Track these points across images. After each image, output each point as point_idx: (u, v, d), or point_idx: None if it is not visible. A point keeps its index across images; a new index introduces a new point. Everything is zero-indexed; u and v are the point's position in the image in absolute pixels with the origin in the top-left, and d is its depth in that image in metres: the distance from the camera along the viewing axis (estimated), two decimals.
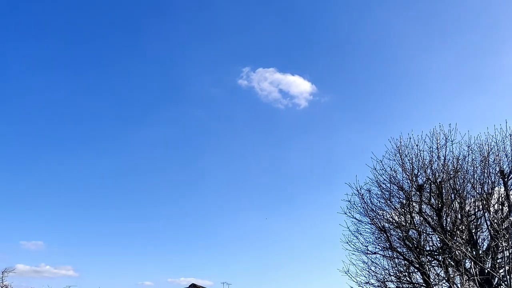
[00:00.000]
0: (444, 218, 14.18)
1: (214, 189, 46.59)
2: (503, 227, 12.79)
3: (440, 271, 14.82)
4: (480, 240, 14.41)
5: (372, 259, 15.35)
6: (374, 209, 15.23)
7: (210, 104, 46.33)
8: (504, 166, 14.05)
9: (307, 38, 45.01)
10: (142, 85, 47.77)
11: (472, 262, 13.41)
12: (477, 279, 13.25)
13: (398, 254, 14.98)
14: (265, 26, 44.42)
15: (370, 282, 15.07)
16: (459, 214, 14.17)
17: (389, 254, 15.29)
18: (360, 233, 15.52)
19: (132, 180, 46.76)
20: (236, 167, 46.47)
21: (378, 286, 15.04)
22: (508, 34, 38.91)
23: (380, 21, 41.68)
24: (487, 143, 14.35)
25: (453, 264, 13.60)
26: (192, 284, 23.14)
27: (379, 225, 15.03)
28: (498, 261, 13.40)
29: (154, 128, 46.17)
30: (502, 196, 14.02)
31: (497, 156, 14.16)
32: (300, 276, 39.34)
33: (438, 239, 14.22)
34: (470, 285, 12.10)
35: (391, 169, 14.95)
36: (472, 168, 14.39)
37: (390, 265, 15.28)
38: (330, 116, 43.34)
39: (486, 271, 12.26)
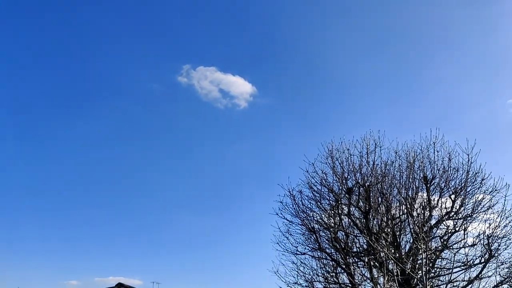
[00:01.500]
0: (371, 221, 14.65)
1: (148, 187, 45.47)
2: (423, 230, 13.41)
3: (365, 272, 15.37)
4: (403, 243, 15.06)
5: (301, 260, 15.61)
6: (305, 211, 15.52)
7: (148, 100, 45.14)
8: (428, 172, 14.80)
9: (250, 40, 45.19)
10: (77, 79, 45.64)
11: (395, 263, 14.05)
12: (398, 279, 13.87)
13: (326, 255, 15.31)
14: (208, 25, 44.09)
15: (298, 282, 15.31)
16: (385, 217, 14.75)
17: (317, 255, 15.62)
18: (291, 234, 15.74)
19: (62, 175, 44.56)
20: (171, 165, 45.66)
21: (306, 286, 15.31)
22: (437, 47, 41.00)
23: (319, 27, 42.64)
24: (413, 150, 15.08)
25: (377, 265, 14.12)
26: (119, 283, 22.44)
27: (309, 226, 15.31)
28: (418, 262, 14.06)
29: (88, 123, 44.33)
30: (425, 201, 14.74)
31: (421, 162, 14.89)
32: (233, 277, 39.25)
33: (365, 241, 14.69)
34: (392, 285, 12.58)
35: (322, 172, 15.32)
36: (399, 173, 15.06)
37: (318, 265, 15.61)
38: (269, 118, 43.73)
39: (407, 272, 12.79)
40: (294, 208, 15.58)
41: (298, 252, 15.59)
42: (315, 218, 15.57)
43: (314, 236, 15.14)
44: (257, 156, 44.11)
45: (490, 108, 39.49)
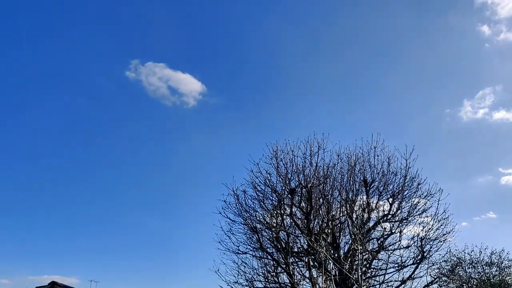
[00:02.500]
0: (312, 222, 14.88)
1: (90, 184, 43.91)
2: (361, 232, 13.80)
3: (305, 272, 15.61)
4: (343, 244, 15.42)
5: (242, 259, 15.60)
6: (248, 210, 15.52)
7: (93, 93, 43.60)
8: (368, 176, 15.23)
9: (202, 39, 44.70)
10: (21, 70, 43.26)
11: (333, 264, 14.36)
12: (335, 279, 14.20)
13: (267, 255, 15.39)
14: (160, 21, 43.08)
15: (239, 282, 15.27)
16: (326, 218, 15.04)
17: (259, 254, 15.66)
18: (233, 233, 15.69)
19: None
20: (115, 160, 44.37)
21: (246, 286, 15.30)
22: (383, 56, 42.48)
23: (272, 30, 42.93)
24: (354, 153, 15.46)
25: (316, 265, 14.36)
26: (52, 281, 21.50)
27: (252, 225, 15.33)
28: (355, 263, 14.45)
29: (31, 116, 42.26)
30: (364, 203, 15.18)
31: (362, 166, 15.31)
32: (175, 276, 38.72)
33: (305, 241, 14.90)
34: (329, 285, 12.83)
35: (266, 172, 15.37)
36: (340, 176, 15.39)
37: (259, 265, 15.66)
38: (217, 117, 43.45)
39: (344, 272, 13.09)
40: (238, 208, 15.57)
41: (239, 252, 15.60)
42: (257, 218, 15.63)
43: (256, 236, 15.16)
44: (203, 155, 43.79)
45: (429, 117, 41.40)
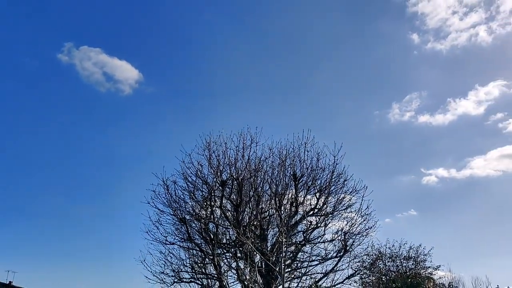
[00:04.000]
0: (241, 214, 15.02)
1: (17, 168, 41.55)
2: (287, 224, 14.13)
3: (232, 263, 15.76)
4: (270, 236, 15.71)
5: (170, 250, 15.49)
6: (178, 201, 15.39)
7: (23, 76, 41.14)
8: (297, 170, 15.55)
9: (142, 27, 43.47)
10: None
11: (259, 256, 14.61)
12: (261, 270, 14.47)
13: (195, 246, 15.37)
14: (99, 4, 41.39)
15: (165, 272, 15.16)
16: (255, 211, 15.23)
17: (187, 245, 15.61)
18: (161, 224, 15.52)
19: None
20: (42, 145, 42.25)
21: (172, 276, 15.20)
22: (321, 57, 43.56)
23: (213, 26, 42.62)
24: (286, 148, 15.73)
25: (243, 256, 14.53)
26: None
27: (181, 216, 15.22)
28: (281, 255, 14.78)
29: None
30: (293, 197, 15.51)
31: (292, 160, 15.62)
32: (101, 265, 37.62)
33: (234, 233, 15.02)
34: (252, 276, 13.03)
35: (198, 163, 15.31)
36: (271, 169, 15.62)
37: (187, 256, 15.62)
38: (152, 106, 42.49)
39: (270, 264, 13.35)
40: (167, 198, 15.41)
41: (167, 242, 15.48)
42: (187, 209, 15.54)
43: (185, 227, 15.09)
44: (135, 143, 42.75)
45: (359, 117, 43.05)
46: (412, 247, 20.36)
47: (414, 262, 20.09)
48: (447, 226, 36.88)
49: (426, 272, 20.54)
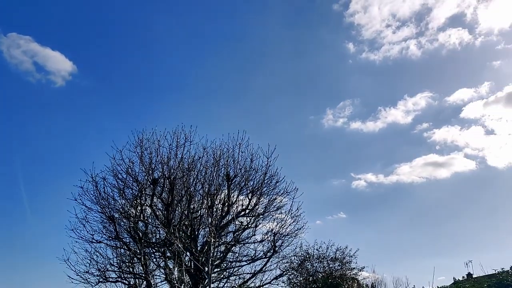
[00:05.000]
0: (171, 213, 14.84)
1: None
2: (216, 224, 14.14)
3: (161, 262, 15.54)
4: (201, 236, 15.65)
5: (96, 248, 15.00)
6: (107, 198, 14.92)
7: None
8: (231, 171, 15.59)
9: (79, 18, 41.65)
10: None
11: (190, 255, 14.52)
12: (190, 270, 14.39)
13: (123, 244, 14.99)
14: None
15: (90, 272, 14.64)
16: (186, 211, 15.12)
17: (114, 244, 15.19)
18: (88, 221, 14.94)
19: None
20: None
21: (97, 276, 14.72)
22: (257, 61, 43.99)
23: (151, 24, 41.75)
24: (220, 148, 15.72)
25: (172, 256, 14.38)
26: None
27: (109, 214, 14.77)
28: (210, 255, 14.77)
29: None
30: (225, 197, 15.55)
31: (226, 161, 15.64)
32: (23, 265, 35.53)
33: (164, 232, 14.82)
34: (180, 276, 12.93)
35: (129, 161, 14.94)
36: (204, 169, 15.55)
37: (114, 255, 15.21)
38: (86, 100, 40.86)
39: (198, 264, 13.30)
40: (95, 195, 14.86)
41: (93, 240, 14.92)
42: (116, 207, 15.11)
43: (113, 225, 14.67)
44: (64, 137, 40.87)
45: (295, 121, 44.05)
46: (339, 248, 21.10)
47: (340, 263, 20.81)
48: (374, 229, 38.64)
49: (352, 273, 21.36)
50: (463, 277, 16.77)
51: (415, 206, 41.08)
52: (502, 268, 13.79)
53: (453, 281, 16.71)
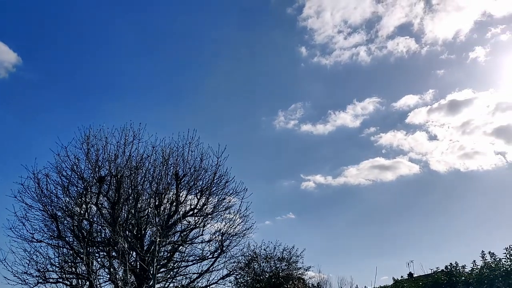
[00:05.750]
0: (118, 212, 14.55)
1: None
2: (163, 224, 14.01)
3: (105, 262, 15.17)
4: (148, 235, 15.42)
5: (36, 248, 14.42)
6: (49, 196, 14.41)
7: None
8: (180, 170, 15.48)
9: (26, 8, 39.73)
10: None
11: (136, 255, 14.29)
12: (135, 270, 14.15)
13: (65, 244, 14.53)
14: None
15: (28, 272, 14.05)
16: (133, 210, 14.86)
17: (56, 243, 14.70)
18: (28, 220, 14.37)
19: None
20: None
21: (36, 276, 14.17)
22: (212, 62, 43.89)
23: (101, 17, 40.57)
24: (170, 147, 15.57)
25: (117, 255, 14.09)
26: None
27: (52, 212, 14.28)
28: (155, 255, 14.59)
29: None
30: (173, 196, 15.42)
31: (176, 160, 15.52)
32: None
33: (109, 231, 14.50)
34: (124, 276, 12.69)
35: (75, 157, 14.51)
36: (153, 168, 15.35)
37: (56, 254, 14.70)
38: (29, 93, 39.05)
39: (144, 264, 13.11)
40: (37, 192, 14.31)
41: (34, 240, 14.37)
42: (59, 205, 14.61)
43: (56, 223, 14.19)
44: (5, 131, 38.89)
45: (247, 122, 44.31)
46: (286, 248, 21.41)
47: (287, 263, 21.12)
48: (321, 229, 39.49)
49: (298, 272, 21.73)
50: (401, 276, 17.48)
51: (362, 207, 42.44)
52: (437, 268, 14.53)
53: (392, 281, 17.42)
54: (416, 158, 39.34)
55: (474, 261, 13.36)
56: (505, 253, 12.53)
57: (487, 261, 12.85)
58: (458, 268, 13.70)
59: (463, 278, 13.18)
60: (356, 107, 40.67)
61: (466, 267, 13.66)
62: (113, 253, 14.74)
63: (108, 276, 14.33)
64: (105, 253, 15.16)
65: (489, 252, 13.02)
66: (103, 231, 15.28)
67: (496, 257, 12.80)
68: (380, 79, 44.89)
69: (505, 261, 12.36)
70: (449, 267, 13.95)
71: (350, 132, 42.05)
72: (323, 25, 40.61)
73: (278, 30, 43.81)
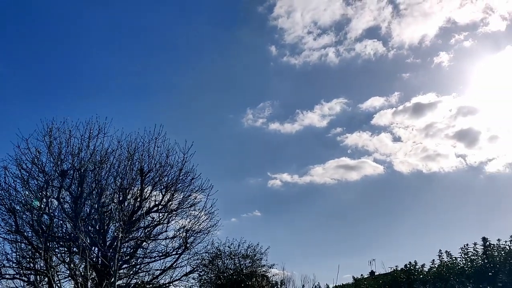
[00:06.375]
0: (80, 207, 14.26)
1: None
2: (130, 220, 13.85)
3: (66, 258, 14.86)
4: (111, 231, 15.18)
5: None
6: (7, 189, 13.99)
7: None
8: (145, 165, 15.30)
9: None
10: None
11: (98, 251, 14.06)
12: (97, 266, 13.92)
13: (24, 239, 14.14)
14: None
15: None
16: (96, 205, 14.60)
17: (14, 238, 14.29)
18: None
19: None
20: None
21: None
22: (183, 57, 43.49)
23: (69, 10, 39.50)
24: (135, 142, 15.35)
25: (78, 251, 13.81)
26: None
27: (9, 206, 13.87)
28: (117, 251, 14.39)
29: None
30: (138, 191, 15.24)
31: (141, 155, 15.32)
32: None
33: (70, 226, 14.20)
34: (83, 272, 12.48)
35: (36, 150, 14.12)
36: (118, 163, 15.12)
37: (13, 250, 14.29)
38: None
39: (103, 260, 12.93)
40: None
41: None
42: (18, 198, 14.20)
43: (13, 218, 13.79)
44: None
45: (215, 119, 44.07)
46: (251, 246, 21.51)
47: (251, 261, 21.22)
48: (286, 227, 39.72)
49: (262, 270, 21.87)
50: (362, 275, 17.87)
51: (327, 206, 42.93)
52: (397, 266, 14.92)
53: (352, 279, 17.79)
54: (381, 158, 40.10)
55: (433, 260, 13.79)
56: (460, 252, 13.00)
57: (443, 260, 13.29)
58: (416, 266, 14.10)
59: (421, 276, 13.57)
60: (323, 107, 41.09)
61: (425, 266, 14.07)
62: (74, 249, 14.44)
63: (68, 272, 14.02)
64: (65, 249, 14.84)
65: (446, 252, 13.46)
66: (64, 226, 14.95)
67: (453, 256, 13.25)
68: (347, 81, 45.48)
69: (460, 260, 12.82)
70: (408, 265, 14.33)
71: (317, 132, 42.45)
72: (293, 25, 40.80)
73: (249, 28, 43.75)
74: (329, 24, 39.67)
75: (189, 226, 15.59)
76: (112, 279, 13.53)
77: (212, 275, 20.30)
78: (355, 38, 39.32)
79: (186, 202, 15.95)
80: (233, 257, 20.83)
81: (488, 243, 12.38)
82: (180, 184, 15.68)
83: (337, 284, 18.04)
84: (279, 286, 22.01)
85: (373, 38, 40.31)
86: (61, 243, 14.73)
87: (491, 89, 38.40)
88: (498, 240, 12.41)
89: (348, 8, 38.70)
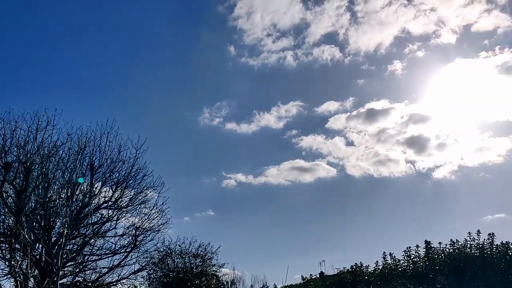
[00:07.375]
0: (24, 201, 13.72)
1: None
2: (77, 216, 13.47)
3: (6, 254, 14.26)
4: (57, 227, 14.70)
5: None
6: None
7: None
8: (95, 160, 14.94)
9: None
10: None
11: (42, 248, 13.58)
12: (40, 263, 13.45)
13: None
14: None
15: None
16: (42, 199, 14.09)
17: None
18: None
19: None
20: None
21: None
22: (139, 53, 42.79)
23: (29, 7, 37.96)
24: (86, 135, 14.95)
25: (20, 247, 13.29)
26: None
27: None
28: (67, 248, 13.98)
29: None
30: (87, 187, 14.84)
31: (92, 150, 14.94)
32: None
33: (12, 221, 13.66)
34: (24, 270, 12.05)
35: None
36: (67, 157, 14.65)
37: None
38: None
39: (50, 258, 12.51)
40: None
41: None
42: None
43: None
44: None
45: (170, 116, 43.71)
46: (202, 245, 21.39)
47: (201, 260, 21.09)
48: (240, 227, 39.87)
49: (212, 269, 21.77)
50: (310, 275, 18.24)
51: (280, 207, 43.40)
52: (344, 267, 15.35)
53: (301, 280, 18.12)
54: (334, 162, 40.96)
55: (377, 261, 14.28)
56: (403, 254, 13.54)
57: (387, 262, 13.81)
58: (362, 268, 14.56)
59: (365, 277, 14.02)
60: (280, 109, 41.52)
61: (369, 267, 14.54)
62: (16, 245, 13.88)
63: (8, 269, 13.46)
64: (6, 245, 14.23)
65: (390, 254, 13.98)
66: (6, 221, 14.34)
67: (396, 258, 13.78)
68: (304, 84, 46.20)
69: (403, 262, 13.36)
70: (354, 267, 14.78)
71: (273, 133, 42.84)
72: (252, 26, 40.98)
73: (208, 27, 43.58)
74: (288, 27, 40.14)
75: (139, 224, 15.37)
76: (54, 276, 13.15)
77: (161, 274, 20.04)
78: (313, 43, 40.01)
79: (137, 199, 15.72)
80: (184, 256, 20.64)
81: (429, 246, 12.97)
82: (132, 181, 15.43)
83: (286, 284, 18.30)
84: (229, 286, 22.03)
85: (331, 44, 41.16)
86: (2, 239, 14.11)
87: (441, 99, 40.18)
88: (439, 243, 13.04)
89: (307, 13, 39.31)
